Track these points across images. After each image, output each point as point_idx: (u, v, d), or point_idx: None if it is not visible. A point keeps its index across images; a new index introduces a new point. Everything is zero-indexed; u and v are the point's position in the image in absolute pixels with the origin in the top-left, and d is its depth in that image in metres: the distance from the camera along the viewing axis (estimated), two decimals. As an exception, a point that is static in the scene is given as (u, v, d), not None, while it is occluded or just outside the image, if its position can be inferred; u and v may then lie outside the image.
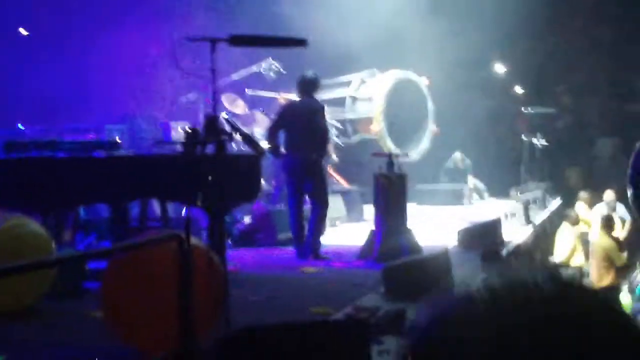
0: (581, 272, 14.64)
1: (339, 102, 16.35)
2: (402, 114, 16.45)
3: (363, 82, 16.57)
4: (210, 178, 6.02)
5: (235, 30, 6.83)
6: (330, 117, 14.42)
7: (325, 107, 11.37)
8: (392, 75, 16.35)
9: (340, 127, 15.92)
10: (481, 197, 18.72)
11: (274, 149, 10.69)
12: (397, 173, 10.41)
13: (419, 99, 16.90)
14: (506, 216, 13.63)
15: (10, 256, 6.40)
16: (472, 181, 18.49)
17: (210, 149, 6.37)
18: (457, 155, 18.82)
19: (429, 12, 17.26)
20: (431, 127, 16.93)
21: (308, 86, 10.89)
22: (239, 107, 14.65)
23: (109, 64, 16.44)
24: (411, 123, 16.80)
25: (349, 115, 16.28)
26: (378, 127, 15.81)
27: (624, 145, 18.94)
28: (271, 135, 10.79)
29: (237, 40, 6.66)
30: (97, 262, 7.46)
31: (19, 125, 11.96)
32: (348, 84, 16.61)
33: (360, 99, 16.40)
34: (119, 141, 10.01)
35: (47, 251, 7.04)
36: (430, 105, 16.92)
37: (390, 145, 15.54)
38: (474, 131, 20.08)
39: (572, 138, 22.05)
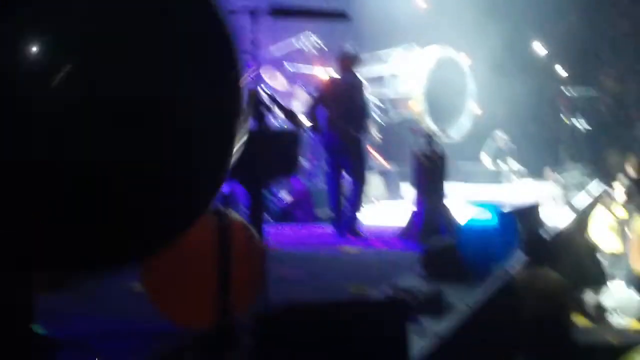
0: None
1: (378, 79, 16.16)
2: (442, 93, 16.23)
3: (403, 58, 16.35)
4: (248, 152, 5.93)
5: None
6: (371, 94, 14.30)
7: (366, 84, 11.25)
8: (434, 54, 16.10)
9: (381, 105, 15.75)
10: (520, 178, 18.55)
11: (314, 125, 10.56)
12: (436, 152, 10.28)
13: (460, 78, 16.68)
14: (547, 199, 13.45)
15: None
16: (514, 164, 18.32)
17: (250, 122, 6.28)
18: (498, 134, 18.62)
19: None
20: (472, 107, 16.72)
21: (348, 61, 10.76)
22: (279, 82, 14.56)
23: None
24: (451, 102, 16.59)
25: (389, 94, 16.09)
26: (419, 107, 15.60)
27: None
28: (311, 111, 10.67)
29: (277, 12, 6.56)
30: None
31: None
32: (386, 59, 16.40)
33: (401, 77, 16.18)
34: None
35: None
36: (471, 85, 16.71)
37: (431, 126, 15.38)
38: (513, 110, 19.85)
39: (613, 121, 21.73)
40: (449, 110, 16.46)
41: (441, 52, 16.16)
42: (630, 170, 14.98)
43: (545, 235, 10.02)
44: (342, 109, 10.44)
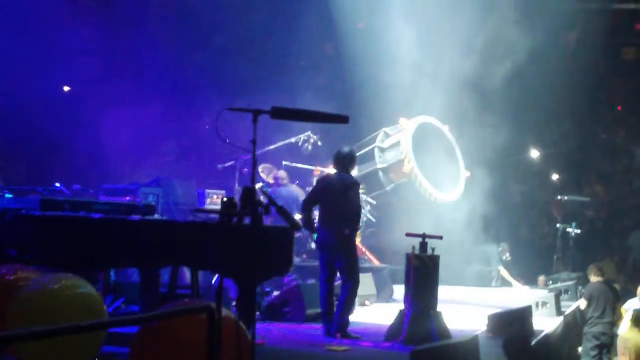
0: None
1: (368, 157, 16.27)
2: (431, 157, 16.33)
3: (387, 134, 16.51)
4: (243, 249, 5.99)
5: (276, 102, 6.83)
6: (364, 192, 14.43)
7: (360, 184, 11.37)
8: (415, 119, 16.29)
9: (374, 202, 15.83)
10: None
11: (308, 223, 10.64)
12: (429, 254, 10.31)
13: (446, 144, 16.83)
14: (537, 305, 13.47)
15: (62, 317, 6.31)
16: (505, 274, 18.37)
17: (245, 219, 6.35)
18: (505, 246, 18.69)
19: (469, 90, 17.34)
20: (464, 171, 16.78)
21: (344, 161, 10.88)
22: (275, 179, 14.71)
23: (148, 128, 16.64)
24: (443, 166, 16.64)
25: (380, 165, 16.19)
26: (410, 166, 15.65)
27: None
28: (306, 209, 10.75)
29: (279, 113, 6.65)
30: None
31: (56, 184, 12.05)
32: (374, 139, 16.57)
33: (388, 148, 16.32)
34: (154, 205, 10.03)
35: (100, 314, 6.92)
36: (458, 150, 16.82)
37: (426, 185, 15.46)
38: (506, 215, 19.98)
39: (606, 228, 21.82)
40: (442, 174, 16.52)
41: (422, 118, 16.36)
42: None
43: (530, 341, 10.02)
44: (337, 208, 10.52)
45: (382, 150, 16.32)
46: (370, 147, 16.30)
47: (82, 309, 6.72)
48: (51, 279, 6.99)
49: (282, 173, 14.85)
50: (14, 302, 6.36)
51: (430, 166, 16.19)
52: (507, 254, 18.56)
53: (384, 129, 16.53)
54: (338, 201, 10.54)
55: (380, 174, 16.22)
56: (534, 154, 21.35)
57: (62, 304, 6.68)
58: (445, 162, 16.69)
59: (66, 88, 17.06)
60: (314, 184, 11.84)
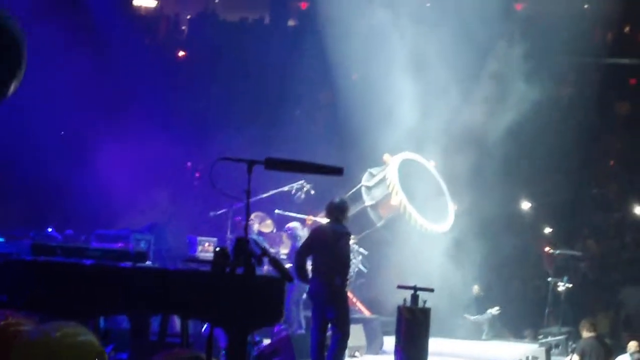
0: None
1: (356, 198, 16.23)
2: (418, 192, 16.30)
3: (372, 174, 16.50)
4: (235, 299, 5.98)
5: (269, 152, 6.84)
6: (355, 242, 14.41)
7: (351, 234, 11.36)
8: (399, 155, 16.29)
9: (366, 253, 15.77)
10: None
11: (301, 274, 10.61)
12: (420, 307, 10.29)
13: (430, 179, 16.84)
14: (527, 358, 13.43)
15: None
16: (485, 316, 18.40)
17: (238, 269, 6.33)
18: (477, 288, 18.76)
19: (460, 144, 17.40)
20: (451, 204, 16.76)
21: (335, 212, 10.89)
22: (267, 226, 14.70)
23: (141, 173, 16.65)
24: (430, 201, 16.59)
25: (368, 203, 16.14)
26: (398, 198, 15.58)
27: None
28: (299, 259, 10.72)
29: (273, 164, 6.65)
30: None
31: (49, 229, 12.04)
32: (359, 180, 16.59)
33: (374, 185, 16.29)
34: (145, 252, 10.00)
35: None
36: (443, 184, 16.82)
37: (416, 216, 15.38)
38: (498, 268, 19.94)
39: (598, 282, 21.76)
40: (431, 207, 16.47)
41: (406, 154, 16.36)
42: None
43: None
44: (328, 258, 10.50)
45: (368, 188, 16.32)
46: (357, 187, 16.30)
47: (83, 357, 6.64)
48: (52, 326, 6.91)
49: (268, 222, 14.88)
50: (14, 351, 6.29)
51: (418, 200, 16.17)
52: (497, 308, 18.54)
53: (368, 169, 16.58)
54: (329, 252, 10.54)
55: (370, 211, 16.18)
56: (526, 206, 21.39)
57: (64, 353, 6.60)
58: (433, 196, 16.68)
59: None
60: (307, 234, 11.84)
